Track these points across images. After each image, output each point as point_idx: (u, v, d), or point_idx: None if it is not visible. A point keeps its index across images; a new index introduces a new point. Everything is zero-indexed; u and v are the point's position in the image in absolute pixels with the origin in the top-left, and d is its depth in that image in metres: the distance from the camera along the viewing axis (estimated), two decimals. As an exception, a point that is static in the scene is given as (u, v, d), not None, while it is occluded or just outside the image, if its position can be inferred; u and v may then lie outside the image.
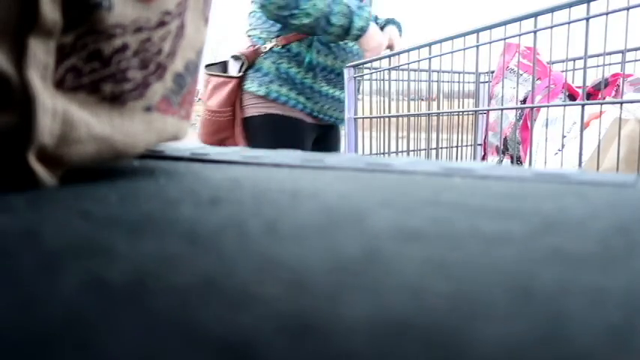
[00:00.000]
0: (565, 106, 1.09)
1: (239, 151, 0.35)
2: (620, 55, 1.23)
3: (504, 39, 1.18)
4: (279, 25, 1.27)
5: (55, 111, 0.21)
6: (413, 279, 0.12)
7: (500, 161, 1.27)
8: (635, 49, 1.26)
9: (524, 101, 1.24)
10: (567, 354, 0.09)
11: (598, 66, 1.29)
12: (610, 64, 1.31)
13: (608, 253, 0.14)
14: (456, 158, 1.57)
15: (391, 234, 0.16)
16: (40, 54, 0.21)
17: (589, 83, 1.12)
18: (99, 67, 0.23)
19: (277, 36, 1.27)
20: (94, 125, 0.23)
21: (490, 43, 1.21)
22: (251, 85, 1.29)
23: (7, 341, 0.09)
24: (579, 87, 1.12)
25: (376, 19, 1.44)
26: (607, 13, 0.94)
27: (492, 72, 1.59)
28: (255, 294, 0.11)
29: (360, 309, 0.10)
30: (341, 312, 0.10)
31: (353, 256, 0.14)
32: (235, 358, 0.09)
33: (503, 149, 1.28)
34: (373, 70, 1.42)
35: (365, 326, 0.10)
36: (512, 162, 1.25)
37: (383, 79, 1.42)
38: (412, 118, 1.40)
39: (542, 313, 0.10)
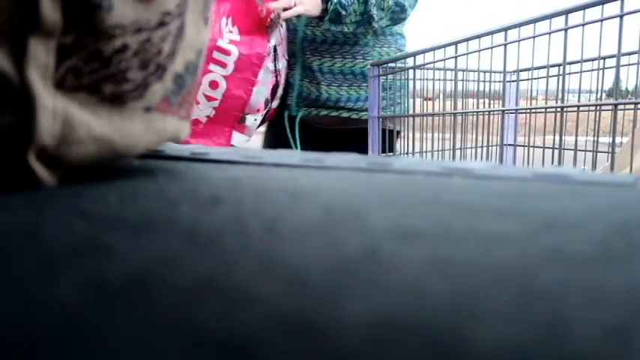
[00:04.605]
0: (598, 105, 1.07)
1: (239, 151, 0.35)
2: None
3: (533, 37, 1.17)
4: None
5: (56, 111, 0.21)
6: (413, 279, 0.12)
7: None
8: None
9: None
10: (567, 354, 0.09)
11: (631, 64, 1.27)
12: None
13: (608, 253, 0.14)
14: (483, 159, 1.54)
15: (391, 233, 0.16)
16: (41, 54, 0.21)
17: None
18: (99, 68, 0.23)
19: None
20: (94, 126, 0.23)
21: (519, 41, 1.20)
22: None
23: (7, 341, 0.09)
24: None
25: None
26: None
27: (520, 70, 1.57)
28: (255, 293, 0.11)
29: (360, 308, 0.10)
30: (341, 311, 0.10)
31: (353, 256, 0.14)
32: (235, 358, 0.09)
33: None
34: (397, 69, 1.40)
35: (365, 325, 0.10)
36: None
37: (407, 79, 1.41)
38: (437, 118, 1.38)
39: (542, 313, 0.10)
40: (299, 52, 1.28)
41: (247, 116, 1.21)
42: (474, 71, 1.54)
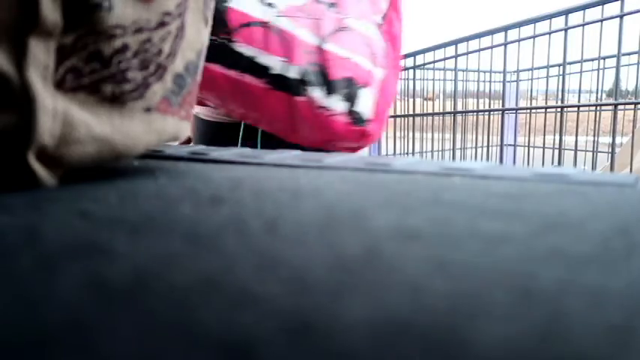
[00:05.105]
0: (598, 105, 1.05)
1: (239, 151, 0.35)
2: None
3: (533, 37, 1.17)
4: None
5: (56, 111, 0.21)
6: (413, 278, 0.12)
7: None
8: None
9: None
10: (567, 354, 0.09)
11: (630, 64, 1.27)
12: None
13: (608, 253, 0.14)
14: (483, 159, 1.54)
15: (391, 233, 0.16)
16: (41, 54, 0.21)
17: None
18: (99, 68, 0.23)
19: None
20: (94, 126, 0.23)
21: (519, 41, 1.20)
22: None
23: (6, 341, 0.09)
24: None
25: None
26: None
27: (520, 70, 1.56)
28: (256, 293, 0.11)
29: (360, 308, 0.10)
30: (341, 311, 0.10)
31: (353, 256, 0.14)
32: (236, 358, 0.09)
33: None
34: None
35: (365, 325, 0.10)
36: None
37: (407, 79, 1.41)
38: (437, 118, 1.38)
39: (542, 313, 0.10)
40: None
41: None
42: (474, 71, 1.54)
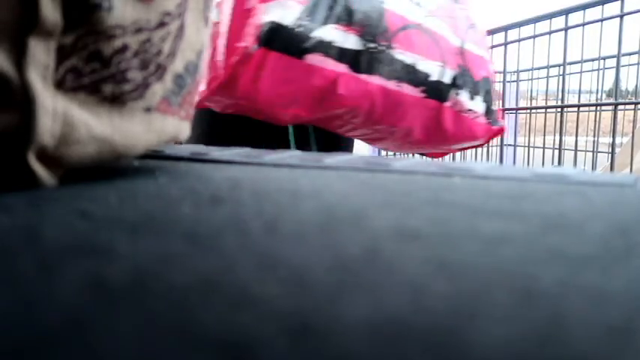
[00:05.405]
0: (598, 105, 1.05)
1: (239, 151, 0.35)
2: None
3: (533, 37, 1.17)
4: None
5: (56, 111, 0.21)
6: (413, 279, 0.12)
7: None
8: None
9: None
10: (567, 354, 0.09)
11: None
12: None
13: (608, 253, 0.14)
14: (483, 159, 1.54)
15: (391, 234, 0.16)
16: (41, 54, 0.21)
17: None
18: (99, 68, 0.23)
19: None
20: (94, 126, 0.23)
21: (519, 41, 1.20)
22: None
23: (6, 341, 0.09)
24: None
25: None
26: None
27: (521, 71, 1.56)
28: (256, 293, 0.11)
29: (359, 308, 0.10)
30: (341, 312, 0.10)
31: (353, 256, 0.14)
32: (235, 358, 0.09)
33: None
34: None
35: (365, 326, 0.10)
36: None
37: None
38: None
39: (543, 313, 0.10)
40: None
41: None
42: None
